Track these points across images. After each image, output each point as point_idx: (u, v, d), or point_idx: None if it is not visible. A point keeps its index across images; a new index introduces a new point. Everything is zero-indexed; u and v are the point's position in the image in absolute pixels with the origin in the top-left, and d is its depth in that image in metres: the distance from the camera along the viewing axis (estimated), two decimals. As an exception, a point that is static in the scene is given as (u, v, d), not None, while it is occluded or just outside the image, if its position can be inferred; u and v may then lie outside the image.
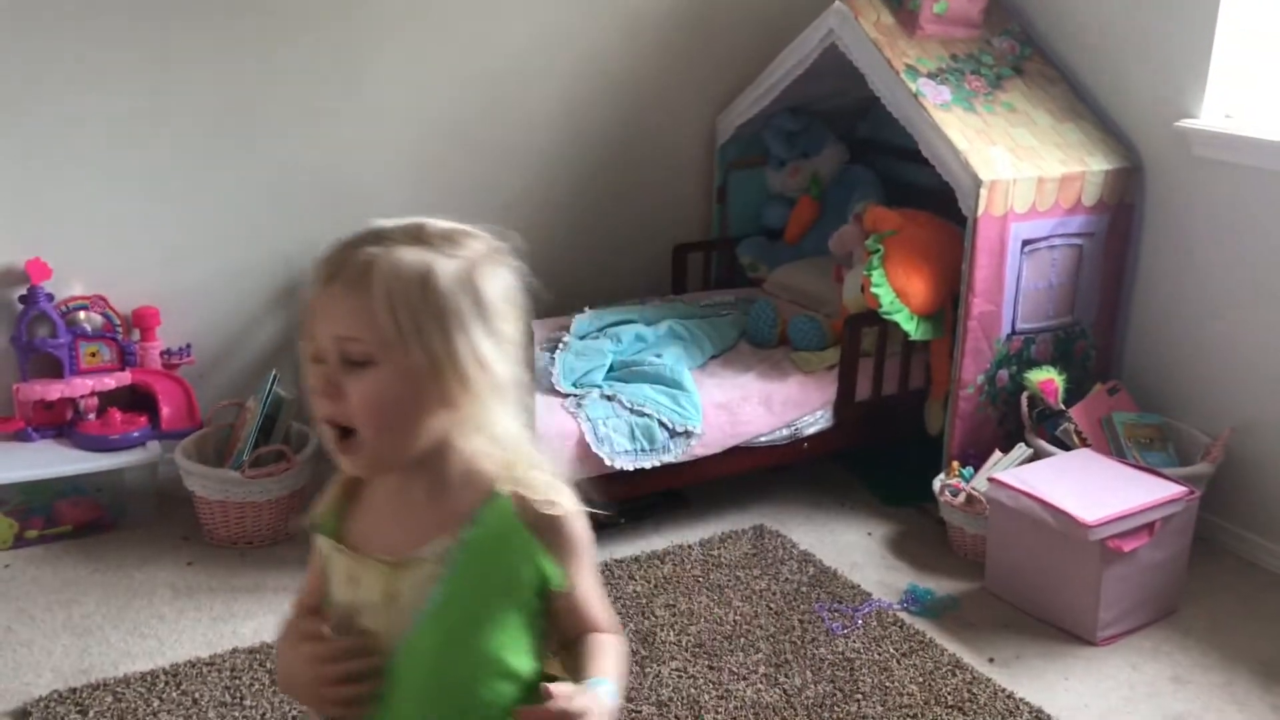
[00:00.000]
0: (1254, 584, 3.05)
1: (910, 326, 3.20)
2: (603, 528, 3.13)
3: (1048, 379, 3.18)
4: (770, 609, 2.83)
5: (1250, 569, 3.12)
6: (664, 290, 4.00)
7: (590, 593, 1.29)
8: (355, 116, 3.44)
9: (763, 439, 3.22)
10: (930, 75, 3.28)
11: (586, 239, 3.88)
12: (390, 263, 1.15)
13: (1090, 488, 2.81)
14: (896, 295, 3.18)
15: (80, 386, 3.12)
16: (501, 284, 1.21)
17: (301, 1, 3.28)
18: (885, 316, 3.19)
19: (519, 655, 1.24)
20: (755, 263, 4.03)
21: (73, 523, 3.07)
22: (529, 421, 1.29)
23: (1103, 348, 3.45)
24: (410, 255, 1.16)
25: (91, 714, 2.37)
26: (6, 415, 3.15)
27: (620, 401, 3.06)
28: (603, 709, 1.20)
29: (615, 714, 1.23)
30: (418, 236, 1.18)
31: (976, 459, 3.21)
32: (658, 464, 3.05)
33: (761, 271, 4.01)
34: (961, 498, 3.08)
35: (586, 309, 3.58)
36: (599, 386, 3.14)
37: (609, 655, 1.27)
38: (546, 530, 1.22)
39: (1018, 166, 3.11)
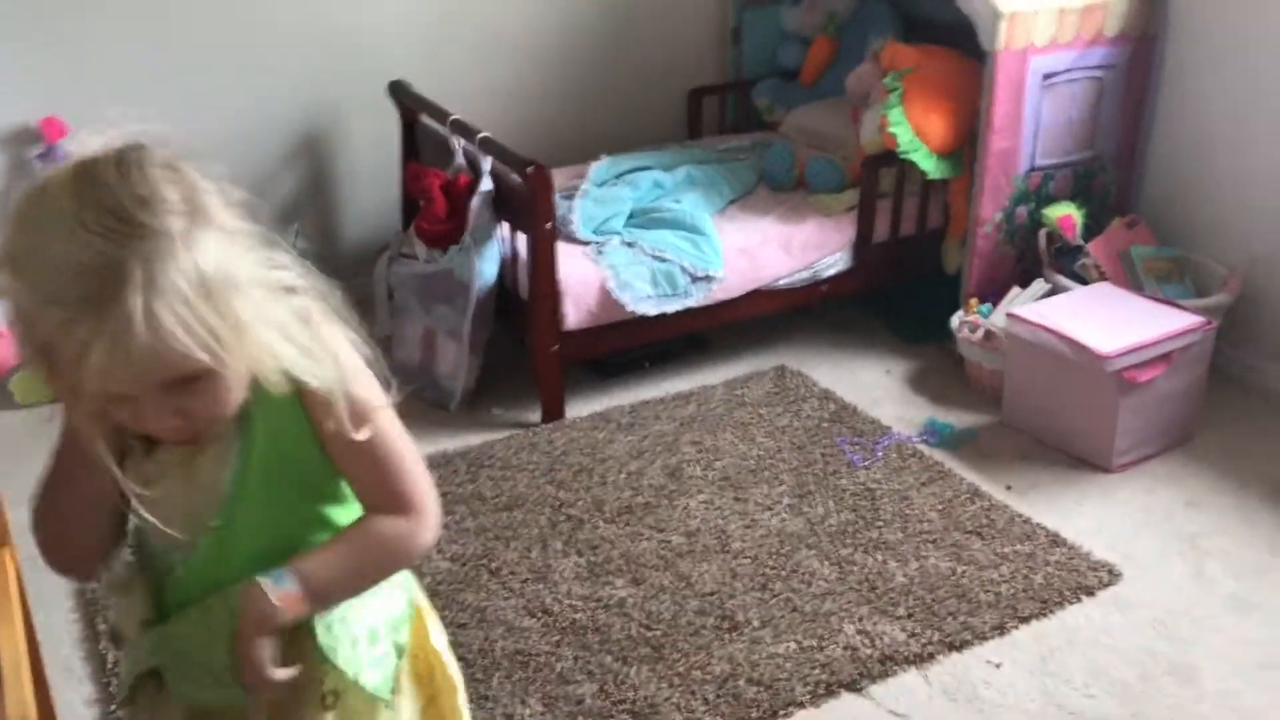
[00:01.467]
0: (1268, 412, 3.10)
1: (929, 165, 3.19)
2: (628, 371, 3.23)
3: (1066, 214, 3.18)
4: (793, 444, 2.91)
5: (1264, 398, 3.17)
6: (680, 135, 3.97)
7: (374, 457, 1.19)
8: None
9: (782, 282, 3.24)
10: (950, -97, 3.18)
11: (600, 84, 3.84)
12: (156, 298, 0.97)
13: (1108, 320, 2.84)
14: (915, 134, 3.16)
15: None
16: (215, 252, 1.02)
17: None
18: (903, 156, 3.17)
19: (342, 510, 1.23)
20: (771, 105, 3.99)
21: None
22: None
23: (1122, 182, 3.43)
24: (160, 270, 0.98)
25: (144, 556, 2.47)
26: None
27: (641, 248, 3.08)
28: (252, 608, 1.13)
29: (295, 596, 1.15)
30: (128, 232, 0.98)
31: (995, 296, 3.23)
32: (679, 308, 3.08)
33: (777, 114, 3.97)
34: (979, 334, 3.12)
35: (603, 155, 3.57)
36: (619, 233, 3.15)
37: (335, 542, 1.20)
38: (307, 397, 1.14)
39: (1039, -3, 3.05)
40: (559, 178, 3.47)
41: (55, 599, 2.36)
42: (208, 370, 1.02)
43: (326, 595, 1.18)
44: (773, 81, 4.03)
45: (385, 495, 1.20)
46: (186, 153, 1.08)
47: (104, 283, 0.96)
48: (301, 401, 1.15)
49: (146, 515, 1.13)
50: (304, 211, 3.52)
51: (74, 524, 1.18)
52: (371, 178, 3.56)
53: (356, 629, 1.24)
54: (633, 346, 3.18)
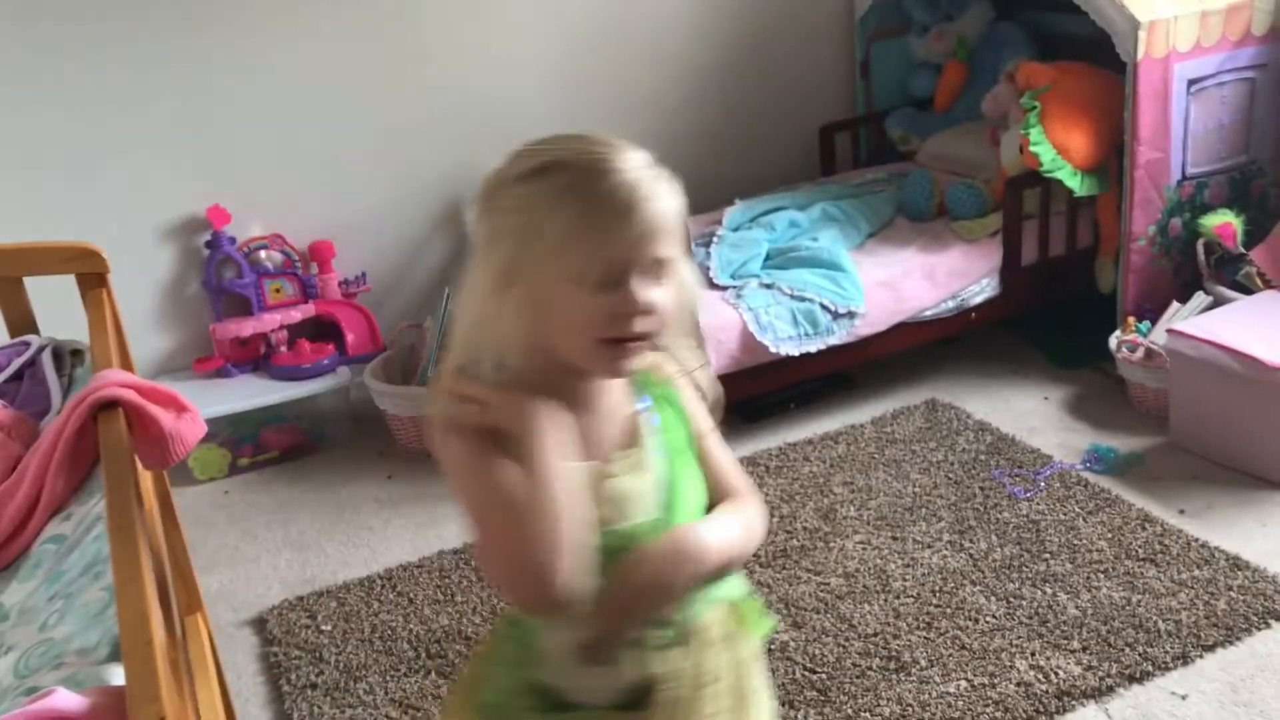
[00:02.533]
0: None
1: (1074, 183, 3.11)
2: (774, 413, 3.22)
3: (1224, 223, 3.06)
4: (949, 479, 2.85)
5: None
6: (813, 173, 3.97)
7: (720, 449, 1.34)
8: (497, 37, 3.51)
9: (928, 312, 3.20)
10: (1076, -83, 3.13)
11: (729, 129, 3.87)
12: (659, 176, 1.19)
13: (1275, 330, 2.71)
14: (1057, 152, 3.09)
15: (269, 321, 3.32)
16: None
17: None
18: (1047, 175, 3.11)
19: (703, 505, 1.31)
20: (906, 135, 3.96)
21: (279, 448, 3.29)
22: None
23: (1283, 185, 3.29)
24: (650, 169, 1.19)
25: (320, 617, 2.57)
26: (207, 355, 3.38)
27: (780, 288, 3.08)
28: (688, 544, 1.21)
29: (718, 548, 1.23)
30: (614, 150, 1.19)
31: (1153, 313, 3.12)
32: (822, 347, 3.07)
33: (913, 144, 3.93)
34: (1140, 353, 3.01)
35: (737, 200, 3.60)
36: (757, 276, 3.16)
37: (726, 516, 1.28)
38: (683, 392, 1.30)
39: (1178, 2, 2.96)
40: (696, 225, 3.52)
41: (245, 663, 2.48)
42: (672, 262, 1.17)
43: (726, 563, 1.25)
44: (906, 111, 3.99)
45: (741, 480, 1.33)
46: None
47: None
48: (679, 397, 1.30)
49: (615, 513, 1.21)
50: (453, 278, 3.64)
51: (560, 550, 1.14)
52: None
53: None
54: (778, 388, 3.18)
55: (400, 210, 3.53)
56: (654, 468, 1.25)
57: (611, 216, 1.14)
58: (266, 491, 3.16)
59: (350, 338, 3.39)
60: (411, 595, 2.62)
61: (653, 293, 1.16)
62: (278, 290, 3.38)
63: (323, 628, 2.54)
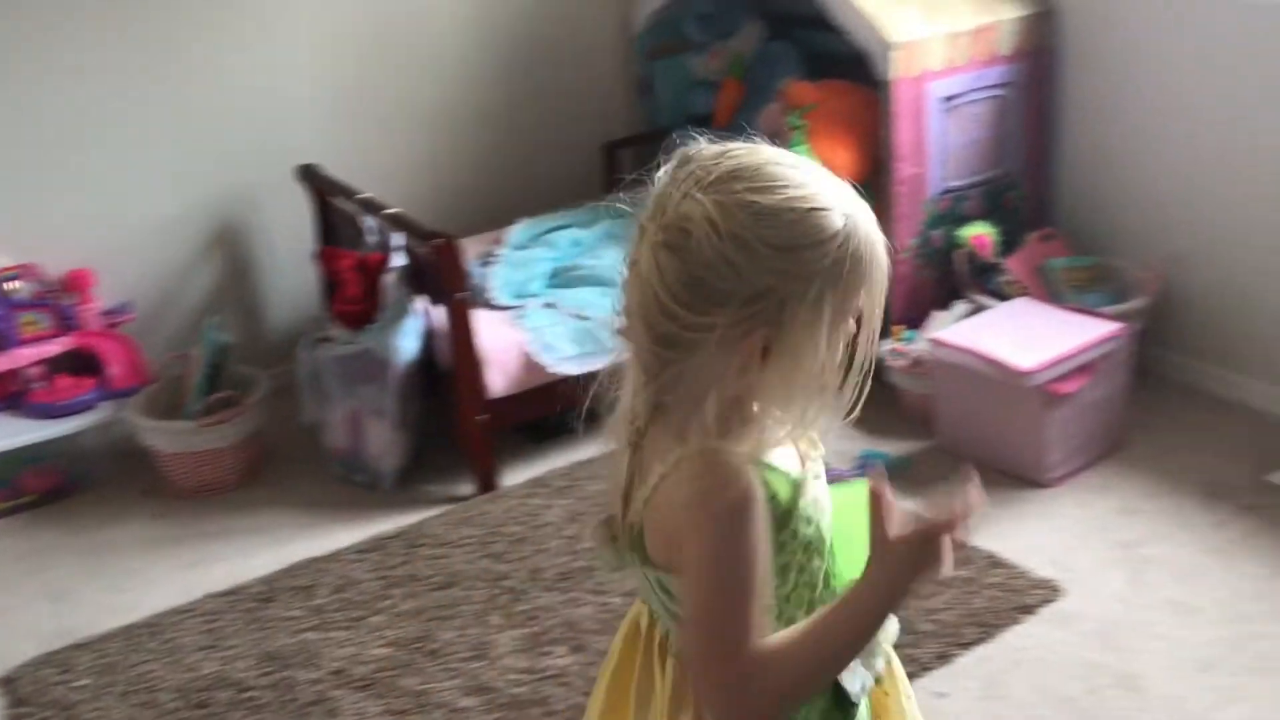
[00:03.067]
0: (1197, 409, 3.12)
1: (840, 198, 3.21)
2: (562, 433, 3.21)
3: (980, 234, 3.21)
4: (729, 491, 2.89)
5: (1193, 395, 3.19)
6: (597, 192, 3.98)
7: None
8: (265, 51, 3.39)
9: (708, 327, 3.24)
10: (834, -60, 3.23)
11: (511, 147, 3.85)
12: None
13: (1028, 336, 2.86)
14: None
15: (22, 357, 3.11)
16: None
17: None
18: (814, 191, 3.19)
19: None
20: (688, 152, 4.01)
21: (36, 491, 3.09)
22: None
23: (1034, 196, 3.47)
24: None
25: (76, 672, 2.42)
26: (-46, 394, 3.15)
27: (561, 308, 3.07)
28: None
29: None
30: None
31: (920, 321, 3.25)
32: (605, 365, 3.06)
33: (695, 160, 3.99)
34: (906, 360, 3.13)
35: (522, 219, 3.57)
36: (539, 296, 3.15)
37: None
38: None
39: (929, 24, 3.10)
40: (477, 245, 3.49)
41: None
42: None
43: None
44: (686, 129, 4.04)
45: None
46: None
47: None
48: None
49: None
50: (226, 302, 3.50)
51: None
52: (293, 263, 3.53)
53: None
54: (564, 408, 3.16)
55: (166, 234, 3.37)
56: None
57: (864, 264, 1.11)
58: (23, 537, 2.96)
59: (113, 370, 3.21)
60: (176, 642, 2.49)
61: None
62: (31, 323, 3.17)
63: (77, 683, 2.39)
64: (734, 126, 4.02)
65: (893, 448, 3.04)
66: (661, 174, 1.13)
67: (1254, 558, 2.51)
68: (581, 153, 3.97)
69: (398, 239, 2.96)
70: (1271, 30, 2.86)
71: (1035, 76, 3.34)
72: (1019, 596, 2.43)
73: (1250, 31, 2.91)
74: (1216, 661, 2.24)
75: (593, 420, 3.37)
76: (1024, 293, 3.18)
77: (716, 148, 1.14)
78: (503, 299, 3.13)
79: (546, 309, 3.07)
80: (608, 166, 3.96)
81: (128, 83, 3.21)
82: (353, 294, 2.97)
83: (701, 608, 1.10)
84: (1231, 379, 3.15)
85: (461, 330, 2.84)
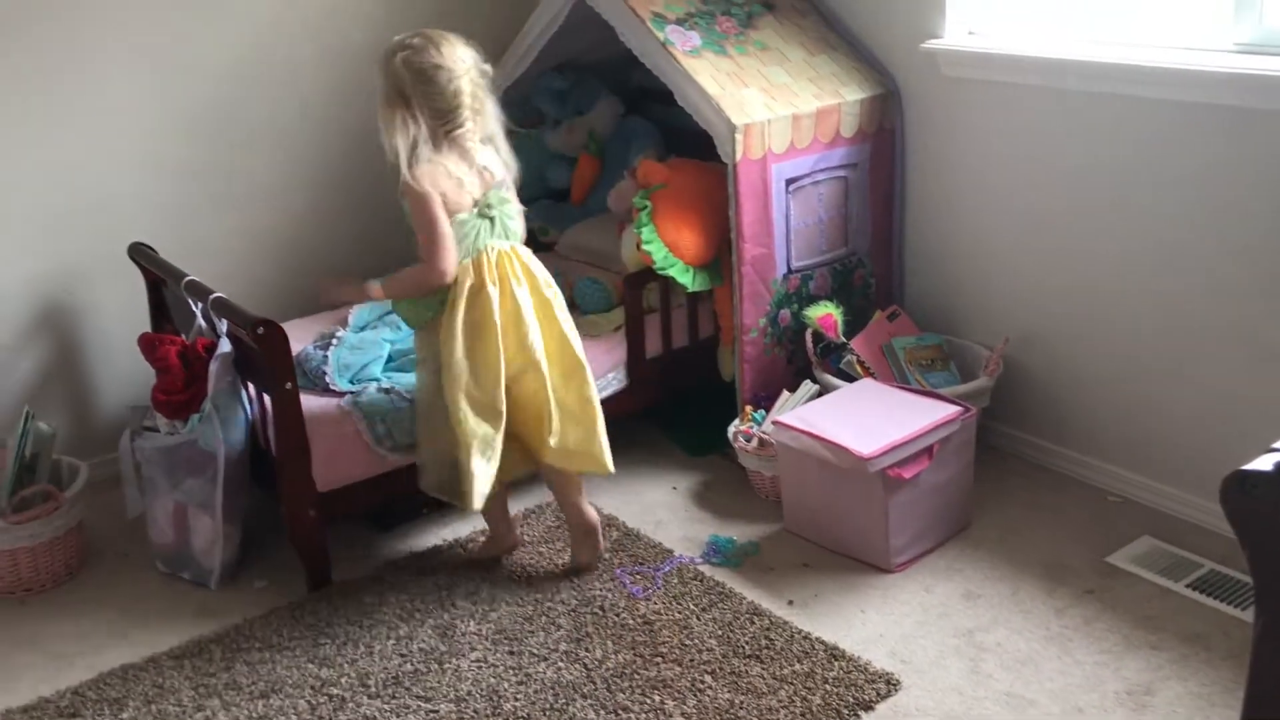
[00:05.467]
0: (1040, 487, 3.14)
1: (686, 279, 3.18)
2: (408, 519, 3.09)
3: (825, 314, 3.20)
4: (572, 582, 2.81)
5: (1037, 472, 3.21)
6: (451, 267, 3.89)
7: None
8: (97, 124, 3.26)
9: (556, 409, 3.17)
10: (679, 21, 3.23)
11: (359, 223, 3.76)
12: None
13: (869, 419, 2.85)
14: (669, 250, 3.16)
15: None
16: None
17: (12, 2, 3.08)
18: (661, 272, 3.16)
19: None
20: (545, 226, 3.96)
21: None
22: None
23: (881, 274, 3.49)
24: None
25: None
26: None
27: (399, 393, 2.97)
28: (362, 292, 2.67)
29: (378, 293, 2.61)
30: None
31: (769, 401, 3.22)
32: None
33: (552, 235, 3.94)
34: (754, 443, 3.10)
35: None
36: (377, 380, 3.04)
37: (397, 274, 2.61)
38: None
39: (772, 106, 3.10)
40: (319, 324, 3.38)
41: None
42: None
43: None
44: (544, 203, 4.01)
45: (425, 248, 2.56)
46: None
47: None
48: None
49: None
50: (52, 386, 3.32)
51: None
52: (126, 345, 3.36)
53: None
54: (405, 494, 3.05)
55: (-14, 315, 3.20)
56: None
57: None
58: None
59: (-80, 464, 3.01)
60: (-35, 767, 2.31)
61: None
62: None
63: None
64: (591, 201, 4.06)
65: (741, 532, 2.99)
66: None
67: (1090, 644, 2.50)
68: (432, 229, 3.87)
69: (222, 325, 2.83)
70: (1095, 120, 2.92)
71: (879, 157, 3.37)
72: (856, 692, 2.38)
73: (1076, 119, 2.96)
74: (1049, 756, 2.22)
75: (439, 506, 3.29)
76: (870, 373, 3.18)
77: None
78: (339, 384, 3.02)
79: (383, 394, 2.97)
80: (460, 242, 3.87)
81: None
82: (175, 384, 2.83)
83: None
84: (1073, 457, 3.18)
85: (289, 422, 2.71)
